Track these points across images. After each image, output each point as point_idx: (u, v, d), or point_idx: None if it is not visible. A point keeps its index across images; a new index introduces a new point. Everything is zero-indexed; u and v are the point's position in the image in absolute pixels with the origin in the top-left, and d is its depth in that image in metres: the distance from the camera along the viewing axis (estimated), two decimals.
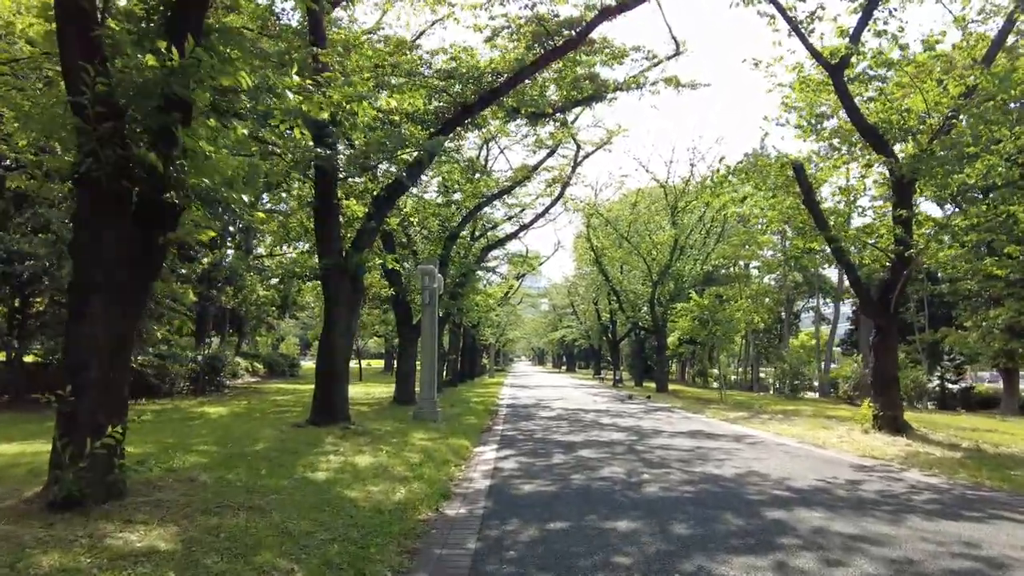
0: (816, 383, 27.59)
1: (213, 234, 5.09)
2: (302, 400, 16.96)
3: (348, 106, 6.07)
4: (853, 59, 9.52)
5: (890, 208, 11.06)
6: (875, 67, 9.57)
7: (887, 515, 5.39)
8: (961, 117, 9.54)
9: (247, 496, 5.51)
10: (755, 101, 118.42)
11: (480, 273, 27.33)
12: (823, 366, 30.48)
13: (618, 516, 5.26)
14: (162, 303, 19.75)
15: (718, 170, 11.23)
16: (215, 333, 36.43)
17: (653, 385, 30.83)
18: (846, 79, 9.89)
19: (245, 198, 5.20)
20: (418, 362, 15.52)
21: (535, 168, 18.74)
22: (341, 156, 9.17)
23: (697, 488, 6.43)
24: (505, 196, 20.29)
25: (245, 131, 5.63)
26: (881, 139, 10.00)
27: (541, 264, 38.45)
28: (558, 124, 15.15)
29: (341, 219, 10.68)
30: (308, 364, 55.46)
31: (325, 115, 6.04)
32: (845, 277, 36.97)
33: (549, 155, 18.80)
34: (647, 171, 35.18)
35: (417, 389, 15.05)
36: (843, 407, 20.53)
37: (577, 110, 17.54)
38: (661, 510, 5.47)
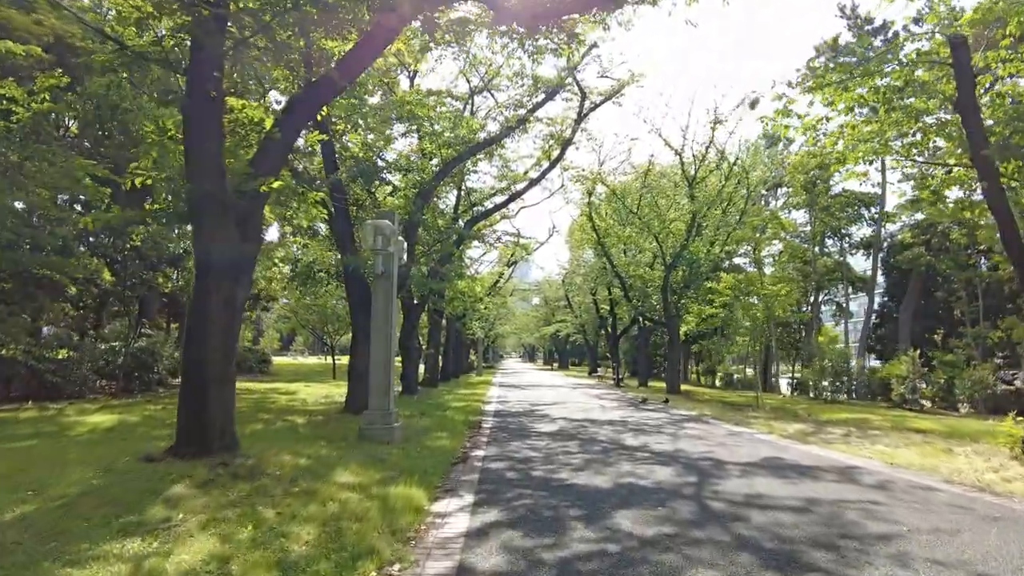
0: (855, 384, 23.90)
1: None
2: (244, 403, 13.44)
3: None
4: None
5: None
6: None
7: None
8: None
9: None
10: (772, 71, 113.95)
11: (473, 252, 23.42)
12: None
13: None
14: (59, 278, 15.71)
15: (815, 63, 7.42)
16: (175, 324, 32.24)
17: (662, 385, 27.00)
18: None
19: None
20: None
21: (532, 111, 14.79)
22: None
23: None
24: (494, 153, 16.32)
25: None
26: None
27: (535, 249, 34.62)
28: (564, 37, 11.21)
29: (227, 127, 6.69)
30: (284, 360, 51.30)
31: None
32: (880, 263, 33.08)
33: (548, 98, 14.88)
34: (659, 135, 31.35)
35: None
36: (908, 414, 16.85)
37: (588, 36, 13.68)
38: None
